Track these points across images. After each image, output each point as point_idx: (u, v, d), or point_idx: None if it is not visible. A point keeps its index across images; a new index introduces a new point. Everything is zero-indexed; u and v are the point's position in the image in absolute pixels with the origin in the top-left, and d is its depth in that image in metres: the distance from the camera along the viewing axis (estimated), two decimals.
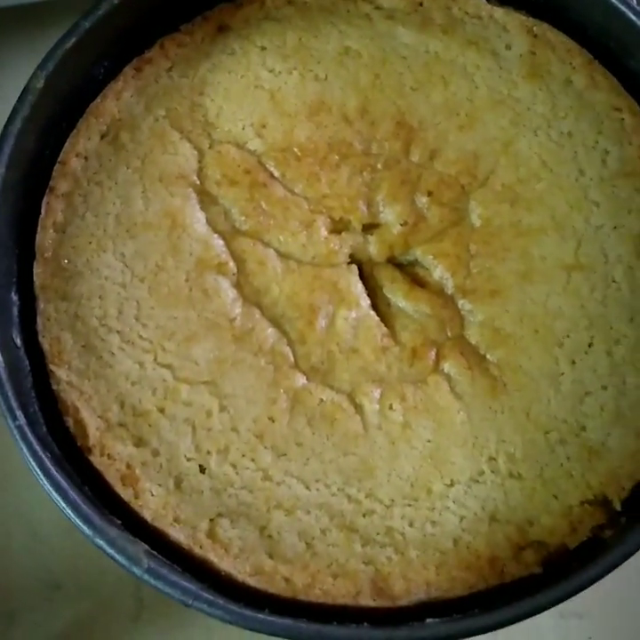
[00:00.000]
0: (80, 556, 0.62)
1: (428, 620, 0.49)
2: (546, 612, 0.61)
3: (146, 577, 0.47)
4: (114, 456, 0.53)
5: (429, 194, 0.59)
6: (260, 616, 0.47)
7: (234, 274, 0.57)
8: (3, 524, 0.63)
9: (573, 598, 0.50)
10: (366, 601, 0.51)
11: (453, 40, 0.62)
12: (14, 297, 0.56)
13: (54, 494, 0.48)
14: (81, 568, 0.62)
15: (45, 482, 0.49)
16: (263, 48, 0.62)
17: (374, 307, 0.57)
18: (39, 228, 0.57)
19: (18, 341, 0.55)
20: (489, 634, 0.61)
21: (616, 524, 0.52)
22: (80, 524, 0.48)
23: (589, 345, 0.56)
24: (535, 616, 0.61)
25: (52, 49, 0.56)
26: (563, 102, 0.60)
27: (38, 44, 0.59)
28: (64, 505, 0.48)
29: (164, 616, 0.62)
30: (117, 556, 0.48)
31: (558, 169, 0.59)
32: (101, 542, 0.48)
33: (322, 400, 0.55)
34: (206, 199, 0.59)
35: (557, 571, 0.51)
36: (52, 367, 0.55)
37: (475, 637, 0.62)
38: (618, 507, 0.53)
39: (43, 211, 0.57)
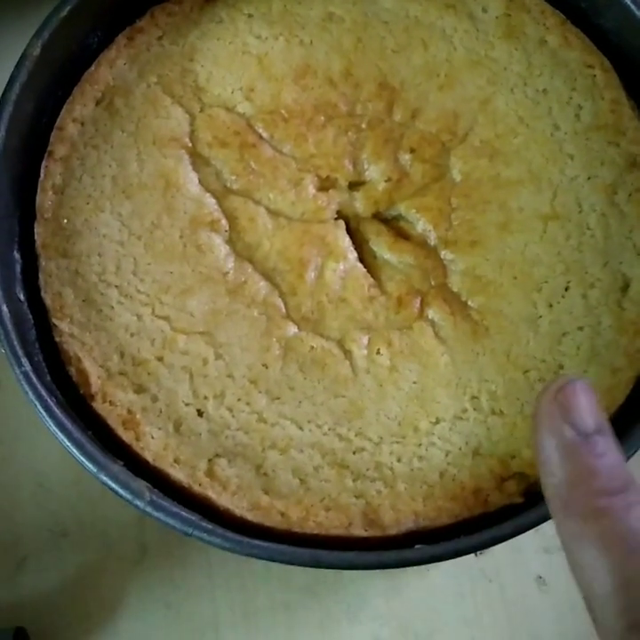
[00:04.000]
0: (85, 504, 0.65)
1: (417, 546, 0.51)
2: (531, 548, 0.65)
3: (148, 509, 0.50)
4: (115, 402, 0.56)
5: (412, 151, 0.62)
6: (257, 542, 0.50)
7: (226, 230, 0.60)
8: (12, 477, 0.66)
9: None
10: (358, 531, 0.53)
11: (432, 4, 0.64)
12: (17, 255, 0.59)
13: (60, 434, 0.51)
14: (86, 516, 0.65)
15: (51, 423, 0.51)
16: (250, 15, 0.64)
17: (361, 259, 0.60)
18: (39, 190, 0.60)
19: (21, 297, 0.57)
20: (477, 569, 0.65)
21: None
22: (85, 461, 0.50)
23: (566, 289, 0.59)
24: (522, 551, 0.64)
25: (48, 17, 0.58)
26: (538, 61, 0.63)
27: (28, 13, 0.61)
28: (69, 444, 0.51)
29: (165, 558, 0.64)
30: (121, 491, 0.50)
31: (534, 124, 0.62)
32: (106, 478, 0.50)
33: (313, 347, 0.58)
34: (198, 160, 0.61)
35: (538, 500, 0.53)
36: (54, 321, 0.57)
37: (464, 574, 0.66)
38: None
39: (42, 174, 0.60)
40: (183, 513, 0.51)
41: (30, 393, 0.52)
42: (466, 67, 0.63)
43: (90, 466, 0.50)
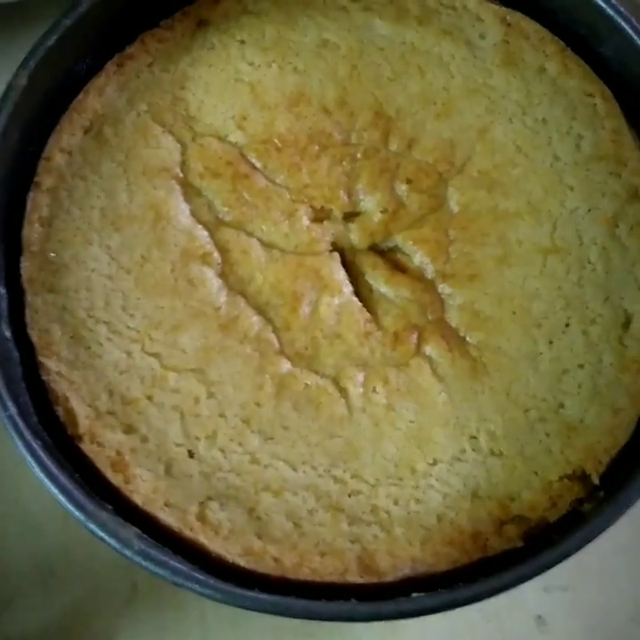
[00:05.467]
0: (73, 543, 0.63)
1: (414, 595, 0.50)
2: (530, 587, 0.63)
3: (137, 559, 0.48)
4: (104, 443, 0.54)
5: (408, 181, 0.60)
6: (250, 593, 0.48)
7: (218, 263, 0.58)
8: None
9: (557, 572, 0.51)
10: (354, 578, 0.52)
11: (429, 31, 0.63)
12: (2, 290, 0.57)
13: (47, 481, 0.49)
14: (74, 555, 0.63)
15: (38, 470, 0.50)
16: (242, 42, 0.63)
17: (357, 293, 0.59)
18: (25, 223, 0.58)
19: (7, 334, 0.56)
20: (476, 610, 0.63)
21: (594, 497, 0.54)
22: (72, 509, 0.49)
23: (566, 325, 0.57)
24: (520, 591, 0.63)
25: (34, 47, 0.57)
26: (537, 89, 0.62)
27: (15, 42, 0.60)
28: (56, 491, 0.49)
29: (157, 599, 0.63)
30: (109, 539, 0.49)
31: (533, 154, 0.61)
32: (93, 526, 0.49)
33: (307, 385, 0.56)
34: (190, 191, 0.60)
35: (538, 544, 0.52)
36: (41, 358, 0.56)
37: (462, 615, 0.64)
38: (596, 481, 0.54)
39: (28, 205, 0.58)
40: (173, 562, 0.49)
41: (16, 438, 0.50)
42: (463, 95, 0.62)
43: (77, 514, 0.49)
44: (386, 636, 0.64)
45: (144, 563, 0.48)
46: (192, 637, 0.62)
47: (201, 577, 0.48)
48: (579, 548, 0.50)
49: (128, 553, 0.48)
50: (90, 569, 0.64)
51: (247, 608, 0.48)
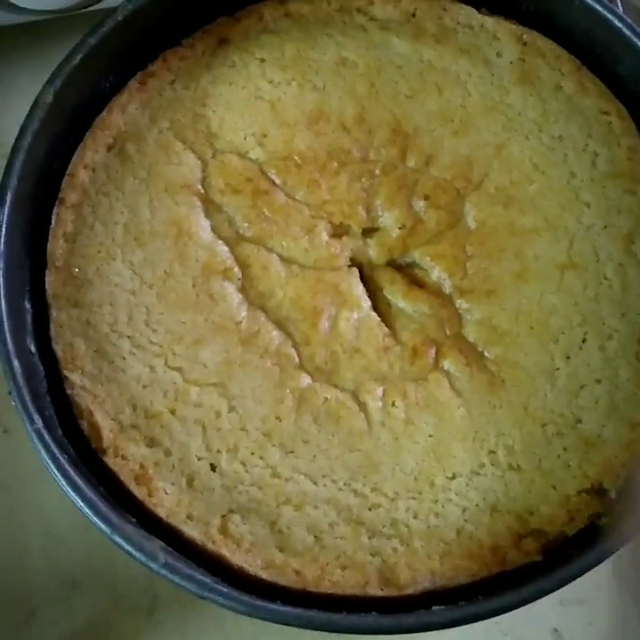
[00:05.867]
0: (95, 554, 0.64)
1: (434, 608, 0.50)
2: (547, 601, 0.63)
3: (163, 572, 0.49)
4: (127, 457, 0.55)
5: (426, 198, 0.61)
6: (273, 606, 0.49)
7: (239, 279, 0.59)
8: (21, 526, 0.65)
9: (573, 585, 0.52)
10: (374, 591, 0.53)
11: (446, 49, 0.64)
12: (27, 305, 0.58)
13: (72, 494, 0.50)
14: (96, 566, 0.64)
15: (63, 482, 0.50)
16: (262, 60, 0.64)
17: (375, 308, 0.59)
18: (50, 238, 0.59)
19: (32, 348, 0.57)
20: (493, 623, 0.63)
21: (612, 511, 0.54)
22: (98, 521, 0.50)
23: (583, 340, 0.58)
24: (537, 604, 0.63)
25: (60, 65, 0.58)
26: (553, 107, 0.63)
27: (41, 60, 0.61)
28: (82, 504, 0.50)
29: (177, 610, 0.63)
30: (135, 553, 0.50)
31: (550, 171, 0.61)
32: (119, 539, 0.50)
33: (327, 399, 0.57)
34: (211, 207, 0.61)
35: (557, 558, 0.53)
36: (65, 372, 0.57)
37: (479, 627, 0.65)
38: (613, 495, 0.55)
39: (53, 221, 0.59)
40: (197, 575, 0.50)
41: (43, 451, 0.51)
42: (481, 112, 0.63)
43: (103, 527, 0.50)
44: None
45: (170, 576, 0.49)
46: None
47: (225, 589, 0.49)
48: (597, 563, 0.50)
49: (154, 566, 0.49)
50: (111, 580, 0.64)
51: (270, 620, 0.48)
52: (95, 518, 0.50)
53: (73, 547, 0.65)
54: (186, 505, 0.54)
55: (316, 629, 0.49)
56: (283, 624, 0.49)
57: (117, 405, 0.56)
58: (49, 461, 0.51)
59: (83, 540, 0.65)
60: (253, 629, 0.63)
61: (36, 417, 0.52)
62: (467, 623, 0.49)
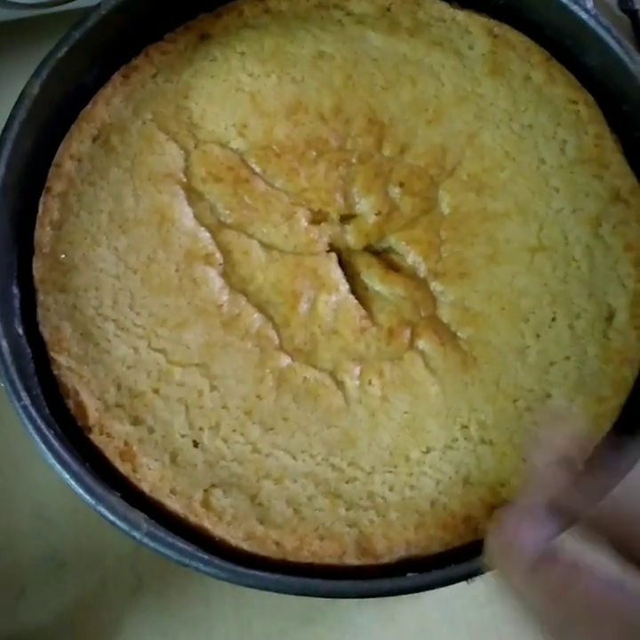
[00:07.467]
0: (83, 535, 0.66)
1: (409, 575, 0.52)
2: None
3: (146, 540, 0.51)
4: (112, 434, 0.57)
5: (401, 185, 0.63)
6: (253, 572, 0.51)
7: (220, 264, 0.61)
8: (11, 507, 0.67)
9: None
10: (351, 560, 0.54)
11: (420, 42, 0.66)
12: (15, 290, 0.60)
13: (58, 467, 0.52)
14: (84, 547, 0.66)
15: (50, 456, 0.52)
16: (242, 54, 0.66)
17: (353, 291, 0.61)
18: (37, 226, 0.61)
19: (20, 331, 0.58)
20: (470, 598, 0.65)
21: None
22: (83, 493, 0.51)
23: (553, 319, 0.60)
24: None
25: (46, 58, 0.60)
26: (523, 97, 0.65)
27: (28, 55, 0.63)
28: (68, 477, 0.52)
29: (162, 587, 0.65)
30: (119, 522, 0.51)
31: (520, 158, 0.63)
32: (103, 510, 0.51)
33: (306, 378, 0.59)
34: (193, 195, 0.63)
35: None
36: (52, 354, 0.59)
37: (458, 604, 0.66)
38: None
39: (40, 209, 0.61)
40: (180, 544, 0.52)
41: (29, 426, 0.53)
42: (453, 102, 0.65)
43: (87, 498, 0.52)
44: (385, 624, 0.66)
45: (152, 544, 0.51)
46: (195, 623, 0.65)
47: (206, 557, 0.51)
48: None
49: (137, 535, 0.51)
50: (98, 560, 0.66)
51: (252, 587, 0.50)
52: (80, 490, 0.51)
53: (62, 528, 0.66)
54: (169, 480, 0.56)
55: (293, 594, 0.50)
56: (262, 589, 0.50)
57: (103, 385, 0.58)
58: (35, 436, 0.52)
59: (71, 522, 0.66)
60: (236, 603, 0.65)
61: (24, 394, 0.54)
62: (438, 587, 0.50)
